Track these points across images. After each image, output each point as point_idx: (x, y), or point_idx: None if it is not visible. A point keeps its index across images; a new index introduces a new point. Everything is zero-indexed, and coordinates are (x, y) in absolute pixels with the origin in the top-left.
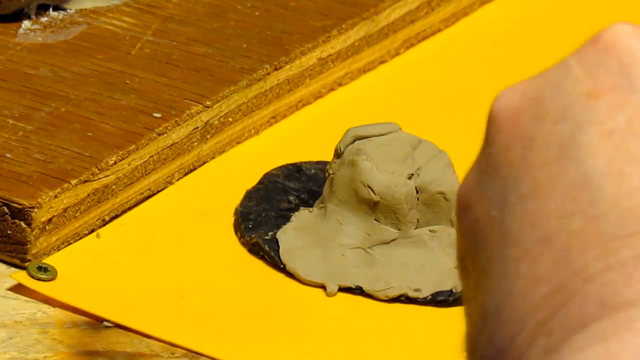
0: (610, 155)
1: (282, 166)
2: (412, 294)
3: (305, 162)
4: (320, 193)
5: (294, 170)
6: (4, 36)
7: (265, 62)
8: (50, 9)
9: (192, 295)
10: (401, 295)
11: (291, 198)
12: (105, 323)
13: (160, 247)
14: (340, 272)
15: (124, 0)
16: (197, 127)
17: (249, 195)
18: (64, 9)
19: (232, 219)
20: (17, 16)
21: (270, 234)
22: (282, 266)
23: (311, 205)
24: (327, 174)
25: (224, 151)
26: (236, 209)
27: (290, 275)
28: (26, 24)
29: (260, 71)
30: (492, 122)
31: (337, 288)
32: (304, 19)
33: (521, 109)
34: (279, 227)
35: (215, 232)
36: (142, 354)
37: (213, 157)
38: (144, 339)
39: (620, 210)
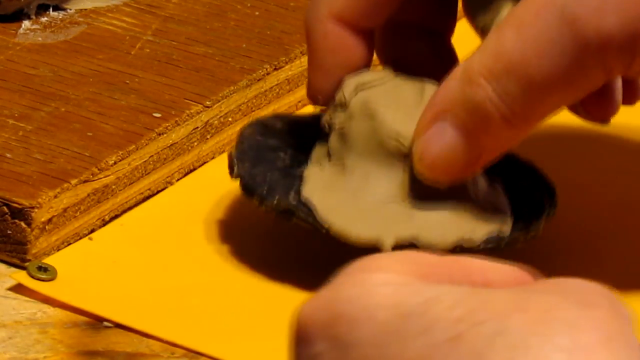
0: None
1: (250, 124)
2: (466, 245)
3: (266, 118)
4: (301, 147)
5: (262, 127)
6: (4, 36)
7: (265, 62)
8: (50, 9)
9: (192, 295)
10: (457, 247)
11: (281, 154)
12: (105, 323)
13: (160, 247)
14: (389, 226)
15: (124, 0)
16: (197, 127)
17: (240, 157)
18: (64, 9)
19: None
20: (17, 16)
21: (290, 196)
22: (324, 231)
23: (302, 161)
24: (326, 127)
25: (224, 151)
26: (237, 174)
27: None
28: (26, 24)
29: (260, 71)
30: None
31: (393, 243)
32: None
33: None
34: (290, 187)
35: (215, 232)
36: (142, 354)
37: (213, 157)
38: (144, 339)
39: None
